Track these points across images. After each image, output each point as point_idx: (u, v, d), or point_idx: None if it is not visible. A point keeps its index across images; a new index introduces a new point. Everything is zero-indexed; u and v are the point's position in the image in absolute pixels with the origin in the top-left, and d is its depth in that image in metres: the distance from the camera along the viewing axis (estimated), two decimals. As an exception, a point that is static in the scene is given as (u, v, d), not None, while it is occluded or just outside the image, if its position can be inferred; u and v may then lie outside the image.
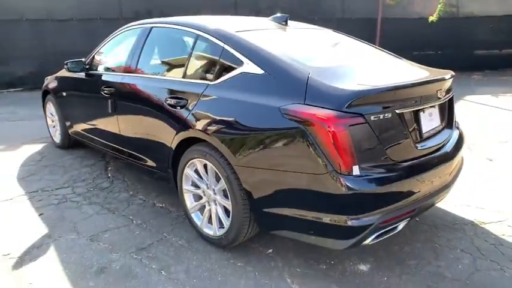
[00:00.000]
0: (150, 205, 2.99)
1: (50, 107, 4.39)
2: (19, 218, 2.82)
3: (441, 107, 2.32)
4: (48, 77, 4.51)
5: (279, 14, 2.90)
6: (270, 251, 2.35)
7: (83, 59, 3.60)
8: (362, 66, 2.39)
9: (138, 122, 2.88)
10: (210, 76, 2.37)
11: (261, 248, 2.37)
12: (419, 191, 2.00)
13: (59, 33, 9.06)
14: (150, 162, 2.84)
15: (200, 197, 2.46)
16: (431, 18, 9.60)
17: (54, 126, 4.47)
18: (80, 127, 3.84)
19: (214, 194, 2.31)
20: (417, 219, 2.66)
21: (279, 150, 1.91)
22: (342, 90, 1.82)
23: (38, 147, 4.51)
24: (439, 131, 2.28)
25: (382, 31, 10.01)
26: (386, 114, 1.87)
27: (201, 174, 2.38)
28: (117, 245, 2.43)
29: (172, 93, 2.53)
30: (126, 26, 3.39)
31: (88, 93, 3.58)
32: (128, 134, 3.04)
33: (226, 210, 2.27)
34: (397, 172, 1.89)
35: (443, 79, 2.20)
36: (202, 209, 2.47)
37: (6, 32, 8.72)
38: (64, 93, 3.97)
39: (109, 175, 3.64)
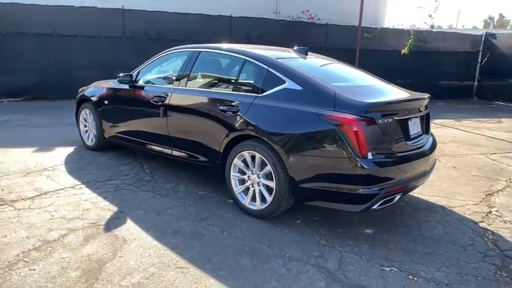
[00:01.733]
0: (193, 192, 3.71)
1: (85, 114, 5.02)
2: (90, 199, 3.46)
3: (421, 118, 3.26)
4: (84, 87, 5.18)
5: (299, 47, 3.80)
6: (299, 221, 3.14)
7: (131, 73, 4.33)
8: (368, 87, 3.31)
9: (190, 125, 3.65)
10: (256, 90, 3.20)
11: (291, 220, 3.15)
12: (408, 174, 2.89)
13: (63, 48, 9.62)
14: (201, 158, 3.59)
15: (243, 182, 3.24)
16: (403, 51, 10.97)
17: (87, 131, 5.10)
18: (121, 131, 4.52)
19: (259, 177, 3.10)
20: (402, 203, 3.55)
21: (316, 142, 2.75)
22: (361, 102, 2.71)
23: (70, 149, 5.10)
24: (420, 135, 3.21)
25: (359, 61, 11.24)
26: (388, 119, 2.76)
27: (248, 163, 3.16)
28: (180, 217, 3.14)
29: (224, 102, 3.32)
30: (172, 49, 4.18)
31: (136, 101, 4.29)
32: (177, 135, 3.79)
33: (268, 189, 3.05)
34: (395, 159, 2.77)
35: (423, 98, 3.15)
36: (245, 190, 3.23)
37: (12, 44, 9.20)
38: (106, 102, 4.65)
39: (147, 171, 4.31)
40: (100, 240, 2.74)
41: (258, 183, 3.12)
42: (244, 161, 3.20)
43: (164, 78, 4.25)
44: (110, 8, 9.70)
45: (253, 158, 3.13)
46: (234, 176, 3.29)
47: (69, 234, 2.82)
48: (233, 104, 3.25)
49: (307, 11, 11.95)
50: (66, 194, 3.58)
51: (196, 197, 3.59)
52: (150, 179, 4.06)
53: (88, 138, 5.10)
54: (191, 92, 3.70)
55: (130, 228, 2.93)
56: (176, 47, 4.17)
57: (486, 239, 2.97)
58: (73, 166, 4.40)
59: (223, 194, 3.63)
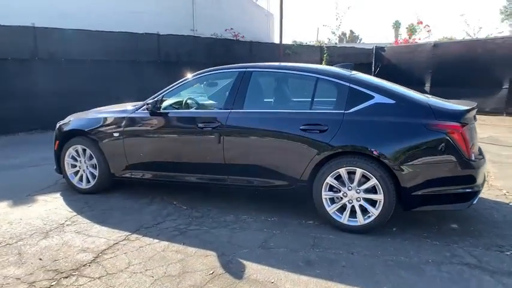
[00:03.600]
0: (265, 220, 3.48)
1: (74, 152, 4.21)
2: (168, 249, 2.95)
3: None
4: (63, 121, 4.35)
5: (344, 63, 3.95)
6: (395, 229, 3.26)
7: (156, 99, 3.83)
8: (431, 97, 3.57)
9: (258, 149, 3.43)
10: (340, 106, 3.22)
11: (384, 229, 3.24)
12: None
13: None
14: (278, 182, 3.40)
15: (335, 200, 3.22)
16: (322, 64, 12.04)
17: (77, 172, 4.28)
18: (142, 165, 3.94)
19: (358, 192, 3.12)
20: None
21: (428, 151, 2.94)
22: (456, 110, 3.01)
23: (57, 196, 4.19)
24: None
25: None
26: (470, 125, 3.12)
27: (344, 180, 3.15)
28: (291, 247, 2.95)
29: (305, 121, 3.24)
30: (203, 72, 3.85)
31: (170, 129, 3.81)
32: (238, 161, 3.52)
33: (371, 203, 3.09)
34: (479, 159, 3.14)
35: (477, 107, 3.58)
36: (340, 208, 3.21)
37: None
38: (116, 134, 3.99)
39: (184, 207, 3.83)
40: (245, 289, 2.40)
41: (357, 198, 3.14)
42: (339, 178, 3.18)
43: (208, 102, 3.87)
44: (17, 25, 8.18)
45: (349, 174, 3.13)
46: (325, 195, 3.23)
47: (203, 291, 2.38)
48: (318, 123, 3.20)
49: (231, 28, 12.15)
50: (128, 247, 2.97)
51: (276, 224, 3.39)
52: (200, 215, 3.64)
53: (81, 180, 4.26)
54: (256, 114, 3.49)
55: (259, 270, 2.63)
56: (208, 70, 3.87)
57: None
58: (93, 215, 3.65)
59: (297, 217, 3.52)
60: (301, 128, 3.24)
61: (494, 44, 11.22)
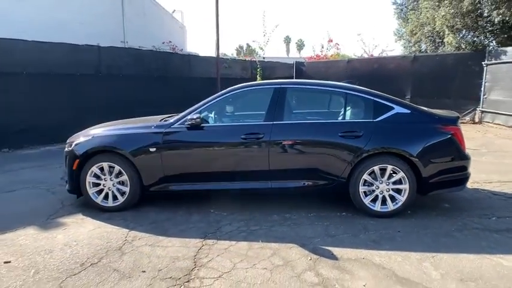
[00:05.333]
0: (313, 217, 4.03)
1: (98, 170, 4.14)
2: (256, 248, 3.30)
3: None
4: (79, 140, 4.26)
5: (348, 80, 4.75)
6: (409, 212, 4.14)
7: (198, 114, 4.07)
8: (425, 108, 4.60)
9: (302, 155, 3.98)
10: (368, 116, 4.00)
11: (406, 212, 4.09)
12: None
13: None
14: (321, 182, 3.99)
15: (368, 192, 3.96)
16: (258, 79, 12.90)
17: (101, 190, 4.21)
18: (183, 177, 4.13)
19: (387, 184, 3.92)
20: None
21: (440, 147, 3.88)
22: (452, 116, 4.04)
23: (81, 217, 4.09)
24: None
25: (221, 87, 12.45)
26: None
27: (377, 176, 3.91)
28: (359, 236, 3.57)
29: (342, 129, 3.93)
30: (238, 88, 4.25)
31: (214, 142, 4.11)
32: (283, 167, 4.02)
33: (398, 192, 3.91)
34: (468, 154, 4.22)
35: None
36: (374, 199, 3.95)
37: None
38: (153, 148, 4.08)
39: (224, 213, 4.14)
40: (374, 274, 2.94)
41: (387, 189, 3.93)
42: (372, 174, 3.93)
43: (249, 115, 4.26)
44: None
45: (381, 170, 3.91)
46: (362, 189, 3.94)
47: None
48: (354, 130, 3.92)
49: (169, 41, 12.17)
50: (215, 251, 3.23)
51: (320, 218, 3.95)
52: (248, 218, 3.98)
53: (107, 198, 4.21)
54: (298, 125, 4.04)
55: (345, 251, 3.18)
56: (244, 85, 4.29)
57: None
58: (147, 229, 3.71)
59: (331, 211, 4.13)
60: (339, 134, 3.92)
61: (397, 60, 13.58)
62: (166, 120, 4.39)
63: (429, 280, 2.74)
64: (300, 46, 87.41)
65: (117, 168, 4.14)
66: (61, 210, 4.31)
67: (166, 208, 4.28)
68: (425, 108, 4.19)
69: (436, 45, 14.62)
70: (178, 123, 4.15)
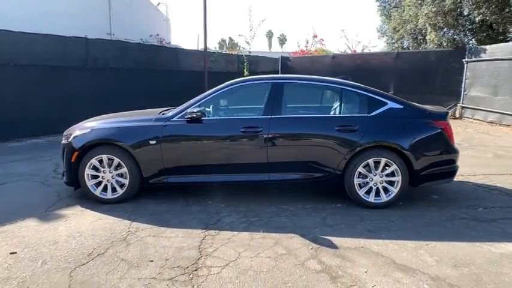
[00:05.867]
0: (309, 208, 4.16)
1: (97, 162, 4.15)
2: (258, 238, 3.41)
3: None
4: (75, 133, 4.26)
5: (342, 75, 4.89)
6: (401, 203, 4.32)
7: (198, 108, 4.13)
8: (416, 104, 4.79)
9: (299, 148, 4.11)
10: (363, 111, 4.15)
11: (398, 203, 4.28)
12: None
13: None
14: (316, 174, 4.12)
15: (363, 184, 4.12)
16: (245, 74, 12.95)
17: (100, 183, 4.23)
18: (182, 169, 4.20)
19: (381, 177, 4.09)
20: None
21: (431, 141, 4.07)
22: (442, 112, 4.24)
23: (80, 209, 4.11)
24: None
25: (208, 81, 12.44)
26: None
27: (371, 168, 4.07)
28: (357, 224, 3.72)
29: (339, 123, 4.06)
30: (235, 82, 4.31)
31: (213, 135, 4.18)
32: (281, 160, 4.13)
33: (391, 184, 4.09)
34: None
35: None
36: (368, 191, 4.12)
37: None
38: (153, 141, 4.12)
39: (222, 205, 4.23)
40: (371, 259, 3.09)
41: (381, 181, 4.10)
42: (367, 167, 4.08)
43: (247, 109, 4.34)
44: None
45: (375, 163, 4.07)
46: (357, 182, 4.10)
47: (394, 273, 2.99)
48: (350, 124, 4.06)
49: (157, 34, 12.05)
50: (219, 241, 3.32)
51: (316, 210, 4.08)
52: (246, 210, 4.08)
53: (106, 189, 4.23)
54: (296, 119, 4.16)
55: (344, 240, 3.33)
56: (241, 80, 4.37)
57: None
58: (148, 220, 3.77)
59: (326, 203, 4.27)
60: (336, 128, 4.05)
61: (381, 56, 13.87)
62: (164, 114, 4.42)
63: (425, 266, 2.91)
64: (282, 41, 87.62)
65: (116, 160, 4.16)
66: (59, 202, 4.31)
67: (164, 200, 4.34)
68: (417, 104, 4.37)
69: (418, 42, 15.01)
70: (178, 116, 4.20)
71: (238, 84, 4.36)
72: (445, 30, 12.39)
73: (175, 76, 11.87)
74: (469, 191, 4.81)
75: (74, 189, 4.45)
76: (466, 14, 12.29)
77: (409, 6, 14.19)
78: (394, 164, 4.03)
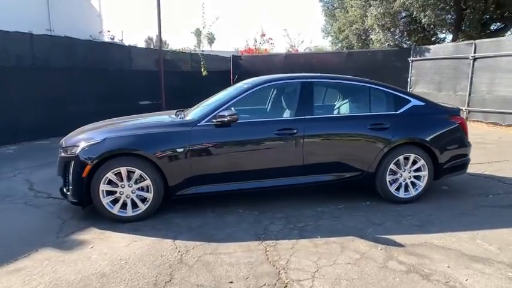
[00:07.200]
0: (335, 209, 4.12)
1: (113, 176, 3.65)
2: (320, 245, 3.28)
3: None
4: (108, 139, 3.70)
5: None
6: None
7: (228, 111, 3.84)
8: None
9: (336, 148, 4.05)
10: (390, 108, 4.22)
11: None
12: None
13: None
14: (348, 174, 4.09)
15: (392, 181, 4.20)
16: (204, 73, 12.52)
17: (116, 199, 3.73)
18: (213, 177, 3.88)
19: (409, 172, 4.21)
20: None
21: (451, 135, 4.28)
22: (456, 108, 4.49)
23: (100, 231, 3.60)
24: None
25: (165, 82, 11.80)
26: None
27: (401, 165, 4.17)
28: (388, 220, 3.76)
29: (371, 121, 4.08)
30: (264, 81, 4.12)
31: (246, 140, 3.90)
32: (317, 161, 4.02)
33: (417, 179, 4.22)
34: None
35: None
36: (398, 187, 4.20)
37: None
38: (180, 149, 3.74)
39: (256, 212, 4.02)
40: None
41: (409, 177, 4.21)
42: (398, 164, 4.17)
43: (272, 110, 4.22)
44: None
45: (406, 159, 4.17)
46: (388, 178, 4.16)
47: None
48: (381, 122, 4.10)
49: (108, 31, 11.06)
50: (283, 251, 3.12)
51: (353, 209, 4.07)
52: (285, 216, 3.91)
53: (125, 206, 3.74)
54: (329, 119, 4.10)
55: (403, 238, 3.34)
56: (268, 80, 4.18)
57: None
58: (190, 237, 3.41)
59: (356, 201, 4.28)
60: (368, 127, 4.06)
61: (333, 56, 14.43)
62: (179, 116, 4.10)
63: (494, 255, 3.04)
64: (211, 40, 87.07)
65: (137, 172, 3.69)
66: (65, 226, 3.71)
67: (187, 212, 3.98)
68: (434, 101, 4.57)
69: (363, 41, 15.90)
70: (206, 120, 3.87)
71: (266, 84, 4.16)
72: (392, 30, 13.28)
73: (129, 76, 11.06)
74: (468, 180, 5.16)
75: (70, 208, 3.90)
76: (408, 16, 13.28)
77: (353, 7, 14.95)
78: (422, 159, 4.17)
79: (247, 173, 3.96)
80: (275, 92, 4.35)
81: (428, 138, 4.16)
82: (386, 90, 4.33)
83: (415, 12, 11.72)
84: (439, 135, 4.23)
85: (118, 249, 3.17)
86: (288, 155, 3.96)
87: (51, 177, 5.38)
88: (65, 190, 3.91)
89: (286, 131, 3.91)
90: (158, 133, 3.79)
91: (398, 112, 4.23)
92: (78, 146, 3.74)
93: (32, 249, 3.18)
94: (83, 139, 3.83)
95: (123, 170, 3.67)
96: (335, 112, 4.41)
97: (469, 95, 10.72)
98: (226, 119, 3.76)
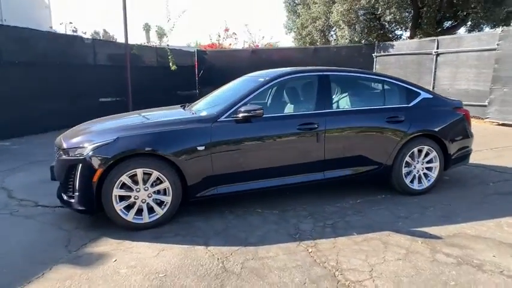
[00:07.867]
0: (355, 203, 4.07)
1: (128, 179, 3.29)
2: (361, 241, 3.18)
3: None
4: (122, 138, 3.31)
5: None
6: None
7: (241, 106, 3.63)
8: None
9: (356, 141, 3.98)
10: (402, 101, 4.24)
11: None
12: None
13: None
14: (366, 168, 4.05)
15: (407, 173, 4.23)
16: (173, 67, 11.97)
17: (130, 205, 3.38)
18: (235, 176, 3.66)
19: (422, 164, 4.27)
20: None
21: (457, 126, 4.38)
22: (458, 101, 4.62)
23: (114, 241, 3.24)
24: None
25: (132, 77, 11.14)
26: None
27: (415, 157, 4.21)
28: (413, 212, 3.77)
29: (389, 114, 4.07)
30: (282, 74, 3.94)
31: (266, 135, 3.71)
32: (338, 156, 3.93)
33: (429, 170, 4.29)
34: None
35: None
36: (413, 179, 4.24)
37: None
38: (201, 147, 3.46)
39: (275, 211, 3.85)
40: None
41: (422, 168, 4.27)
42: (411, 156, 4.20)
43: (290, 104, 4.06)
44: None
45: (419, 151, 4.21)
46: (404, 171, 4.18)
47: None
48: (397, 115, 4.10)
49: (70, 23, 10.14)
50: (326, 250, 2.99)
51: (373, 202, 4.04)
52: (309, 213, 3.77)
53: (142, 212, 3.40)
54: (348, 112, 4.00)
55: (434, 229, 3.35)
56: (286, 73, 3.99)
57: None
58: (222, 240, 3.17)
59: (373, 195, 4.26)
60: (386, 120, 4.05)
61: (299, 51, 14.51)
62: (192, 111, 3.84)
63: (529, 241, 3.14)
64: (161, 34, 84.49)
65: (155, 174, 3.36)
66: (74, 238, 3.28)
67: (207, 214, 3.71)
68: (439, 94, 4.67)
69: (327, 38, 16.17)
70: (226, 115, 3.61)
71: (284, 78, 3.97)
72: (356, 26, 13.61)
73: (93, 71, 10.30)
74: (463, 169, 5.37)
75: (70, 216, 3.51)
76: (376, 13, 13.67)
77: (316, 3, 15.12)
78: (434, 151, 4.24)
79: (269, 171, 3.77)
80: (293, 85, 4.19)
81: (439, 130, 4.24)
82: (399, 83, 4.34)
83: (380, 9, 12.11)
84: (448, 127, 4.33)
85: (147, 261, 2.85)
86: (309, 150, 3.83)
87: (29, 182, 4.89)
88: (65, 197, 3.45)
89: (307, 125, 3.77)
90: (177, 130, 3.47)
91: (410, 105, 4.26)
92: (84, 148, 3.32)
93: (44, 268, 2.75)
94: (89, 139, 3.41)
95: (139, 172, 3.32)
96: (351, 105, 4.34)
97: (433, 88, 11.28)
98: (251, 114, 3.53)
